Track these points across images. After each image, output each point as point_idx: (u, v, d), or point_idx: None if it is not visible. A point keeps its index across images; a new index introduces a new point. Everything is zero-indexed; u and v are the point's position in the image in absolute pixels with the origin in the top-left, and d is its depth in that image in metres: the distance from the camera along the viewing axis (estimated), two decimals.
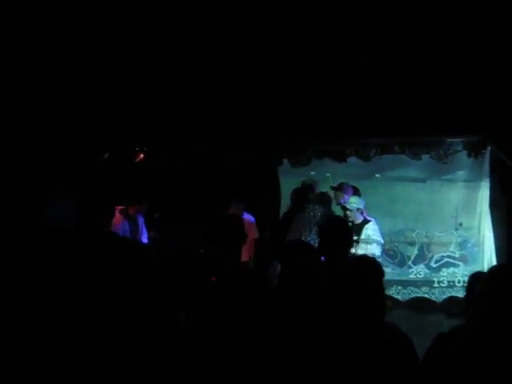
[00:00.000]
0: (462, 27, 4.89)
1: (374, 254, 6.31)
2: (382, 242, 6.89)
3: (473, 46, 5.16)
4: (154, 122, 6.75)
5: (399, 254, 8.19)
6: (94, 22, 5.47)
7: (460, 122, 5.47)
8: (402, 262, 8.20)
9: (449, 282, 7.87)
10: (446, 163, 7.50)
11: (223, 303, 3.64)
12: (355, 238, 6.67)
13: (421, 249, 8.13)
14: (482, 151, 7.23)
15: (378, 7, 5.57)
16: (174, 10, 5.69)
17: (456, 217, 7.82)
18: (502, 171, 7.03)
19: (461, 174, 7.72)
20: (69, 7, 5.36)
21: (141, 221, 8.18)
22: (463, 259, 7.89)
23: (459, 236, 7.90)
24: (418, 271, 8.07)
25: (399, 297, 8.07)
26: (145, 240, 8.12)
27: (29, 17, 5.47)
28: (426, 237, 8.10)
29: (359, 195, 7.28)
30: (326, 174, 7.85)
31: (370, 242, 6.70)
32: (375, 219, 6.92)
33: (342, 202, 7.39)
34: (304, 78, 6.54)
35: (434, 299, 7.91)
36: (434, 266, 8.03)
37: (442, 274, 7.94)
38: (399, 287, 8.08)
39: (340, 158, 8.12)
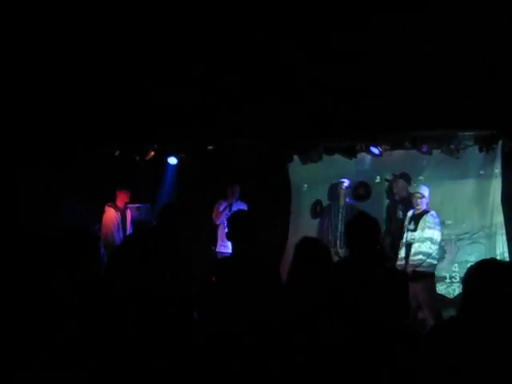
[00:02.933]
0: (471, 20, 4.85)
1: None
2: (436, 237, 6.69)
3: (485, 38, 5.12)
4: (165, 120, 6.76)
5: None
6: (97, 20, 5.48)
7: (472, 115, 5.42)
8: None
9: None
10: (457, 158, 7.46)
11: (233, 300, 3.66)
12: (412, 227, 6.77)
13: None
14: (494, 146, 7.20)
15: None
16: (180, 9, 5.70)
17: None
18: None
19: None
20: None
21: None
22: None
23: None
24: None
25: None
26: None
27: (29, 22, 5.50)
28: None
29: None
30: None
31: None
32: (436, 213, 6.85)
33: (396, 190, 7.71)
34: (314, 74, 6.52)
35: None
36: None
37: None
38: None
39: (350, 154, 8.14)
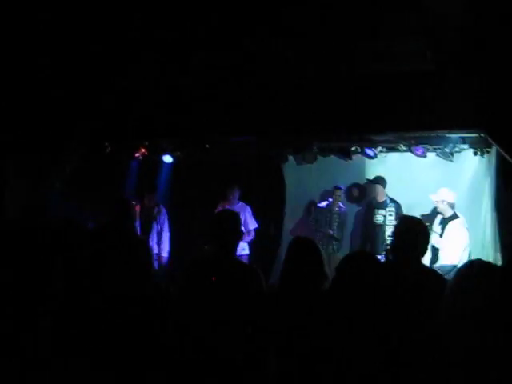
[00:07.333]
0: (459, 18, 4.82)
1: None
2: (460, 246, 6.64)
3: (476, 39, 5.09)
4: (158, 117, 6.74)
5: None
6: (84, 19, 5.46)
7: (461, 117, 5.41)
8: None
9: None
10: (451, 161, 7.46)
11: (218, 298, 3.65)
12: (439, 232, 6.74)
13: None
14: (488, 149, 7.20)
15: None
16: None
17: None
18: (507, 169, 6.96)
19: None
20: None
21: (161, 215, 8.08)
22: None
23: None
24: None
25: None
26: (165, 236, 8.08)
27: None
28: None
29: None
30: None
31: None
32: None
33: (375, 194, 7.74)
34: (309, 74, 6.51)
35: None
36: None
37: None
38: None
39: (345, 155, 8.12)
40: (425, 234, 3.78)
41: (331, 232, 8.17)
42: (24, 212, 6.20)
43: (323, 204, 8.38)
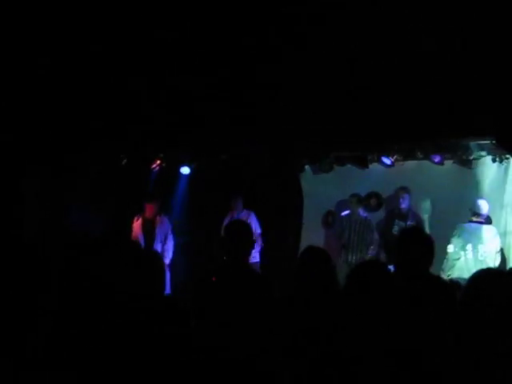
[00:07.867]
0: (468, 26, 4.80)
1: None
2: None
3: (490, 48, 5.06)
4: (172, 128, 6.80)
5: None
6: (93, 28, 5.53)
7: (473, 124, 5.36)
8: None
9: None
10: (469, 168, 7.38)
11: (227, 306, 3.67)
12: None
13: None
14: (507, 156, 7.11)
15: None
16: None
17: None
18: None
19: None
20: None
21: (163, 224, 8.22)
22: None
23: None
24: None
25: None
26: (170, 244, 8.19)
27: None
28: None
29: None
30: None
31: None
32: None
33: (404, 204, 7.65)
34: (324, 83, 6.52)
35: None
36: None
37: None
38: None
39: (362, 164, 8.08)
40: (426, 244, 3.70)
41: (353, 241, 8.10)
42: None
43: (345, 213, 8.31)
